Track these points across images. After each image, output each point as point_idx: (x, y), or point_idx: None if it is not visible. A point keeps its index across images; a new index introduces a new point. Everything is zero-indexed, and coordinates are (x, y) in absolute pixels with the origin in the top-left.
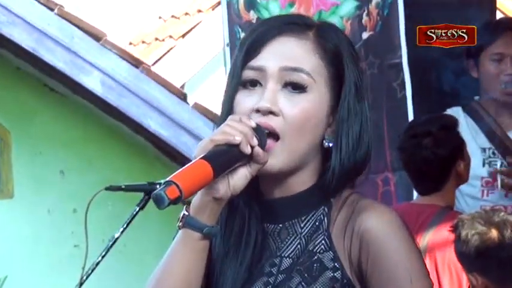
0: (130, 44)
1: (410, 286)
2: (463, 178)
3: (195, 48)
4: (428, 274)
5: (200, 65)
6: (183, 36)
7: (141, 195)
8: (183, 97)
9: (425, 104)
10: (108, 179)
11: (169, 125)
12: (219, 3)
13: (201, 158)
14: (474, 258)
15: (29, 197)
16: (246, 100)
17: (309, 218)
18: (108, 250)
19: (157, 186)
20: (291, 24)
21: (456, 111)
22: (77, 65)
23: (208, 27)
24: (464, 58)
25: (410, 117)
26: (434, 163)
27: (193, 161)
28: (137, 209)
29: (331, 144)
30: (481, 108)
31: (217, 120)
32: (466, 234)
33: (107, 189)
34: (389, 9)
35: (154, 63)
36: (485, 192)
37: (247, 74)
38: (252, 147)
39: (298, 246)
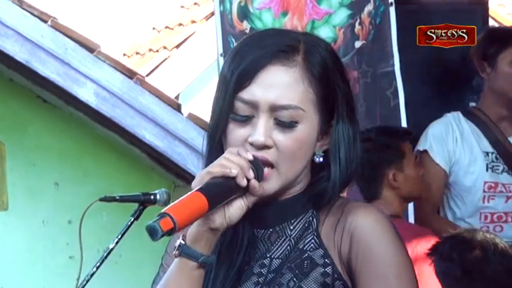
0: (125, 55)
1: (397, 282)
2: (403, 190)
3: (189, 58)
4: (414, 272)
5: (194, 75)
6: (177, 46)
7: (135, 205)
8: (177, 108)
9: (418, 112)
10: (103, 190)
11: (164, 135)
12: (212, 14)
13: (197, 190)
14: (460, 276)
15: (23, 208)
16: (239, 131)
17: (298, 220)
18: (103, 261)
19: (152, 197)
20: (279, 52)
21: (456, 116)
22: (70, 77)
23: (202, 38)
24: (476, 59)
25: (404, 124)
26: (365, 168)
27: (189, 193)
28: (132, 219)
29: (321, 159)
30: (482, 113)
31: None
32: (448, 253)
33: (101, 200)
34: (381, 18)
35: (148, 74)
36: (487, 198)
37: (240, 106)
38: (248, 180)
39: (288, 247)
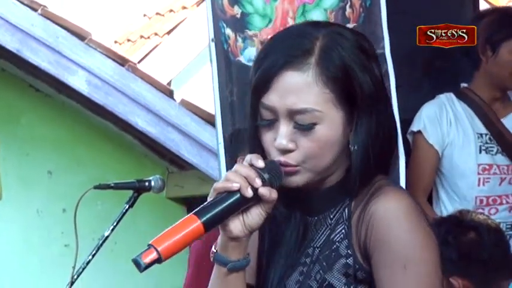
0: (116, 42)
1: (403, 272)
2: None
3: (181, 44)
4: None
5: (186, 61)
6: (169, 33)
7: (130, 193)
8: (169, 94)
9: (409, 95)
10: (97, 178)
11: (157, 122)
12: (203, 0)
13: (193, 213)
14: (456, 260)
15: (17, 198)
16: (267, 135)
17: (336, 209)
18: (98, 249)
19: (146, 183)
20: (292, 57)
21: (450, 97)
22: (62, 65)
23: (193, 24)
24: (480, 40)
25: (395, 107)
26: None
27: (185, 217)
28: (126, 206)
29: (356, 147)
30: (474, 94)
31: (205, 117)
32: (443, 237)
33: (95, 187)
34: (371, 1)
35: (140, 61)
36: (482, 180)
37: (263, 111)
38: (256, 189)
39: (325, 237)
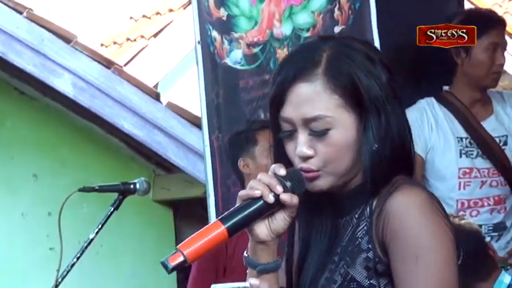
0: (102, 45)
1: (415, 264)
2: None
3: (167, 47)
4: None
5: (172, 64)
6: (155, 35)
7: (115, 195)
8: (156, 96)
9: None
10: (83, 181)
11: (143, 124)
12: (189, 2)
13: (218, 219)
14: None
15: (2, 201)
16: (290, 146)
17: (361, 209)
18: (83, 252)
19: (131, 186)
20: (302, 70)
21: (430, 102)
22: (47, 68)
23: (179, 26)
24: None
25: None
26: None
27: (211, 223)
28: (112, 209)
29: (376, 146)
30: (455, 98)
31: (191, 120)
32: None
33: (80, 190)
34: (360, 3)
35: (126, 63)
36: (463, 184)
37: (283, 125)
38: (278, 195)
39: (349, 234)
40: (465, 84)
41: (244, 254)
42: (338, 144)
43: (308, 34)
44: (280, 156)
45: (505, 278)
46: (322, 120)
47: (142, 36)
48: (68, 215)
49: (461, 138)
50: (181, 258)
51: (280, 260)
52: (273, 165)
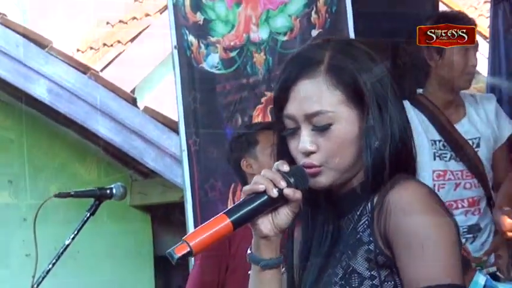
0: (78, 50)
1: (422, 254)
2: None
3: (144, 52)
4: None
5: (149, 68)
6: (131, 40)
7: (92, 201)
8: (133, 102)
9: None
10: (59, 187)
11: (120, 130)
12: (166, 7)
13: (223, 213)
14: None
15: None
16: (293, 143)
17: (362, 206)
18: (59, 257)
19: (108, 191)
20: (305, 68)
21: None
22: (22, 74)
23: (156, 31)
24: (424, 47)
25: None
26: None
27: (216, 216)
28: (88, 214)
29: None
30: (428, 100)
31: (168, 124)
32: None
33: (56, 196)
34: (337, 6)
35: (103, 68)
36: (437, 186)
37: (286, 121)
38: (281, 190)
39: (350, 230)
40: (438, 87)
41: (248, 251)
42: (340, 139)
43: (285, 38)
44: (283, 154)
45: (479, 278)
46: (324, 115)
47: (118, 42)
48: (44, 221)
49: (435, 141)
50: (187, 250)
51: (282, 256)
52: (277, 162)
